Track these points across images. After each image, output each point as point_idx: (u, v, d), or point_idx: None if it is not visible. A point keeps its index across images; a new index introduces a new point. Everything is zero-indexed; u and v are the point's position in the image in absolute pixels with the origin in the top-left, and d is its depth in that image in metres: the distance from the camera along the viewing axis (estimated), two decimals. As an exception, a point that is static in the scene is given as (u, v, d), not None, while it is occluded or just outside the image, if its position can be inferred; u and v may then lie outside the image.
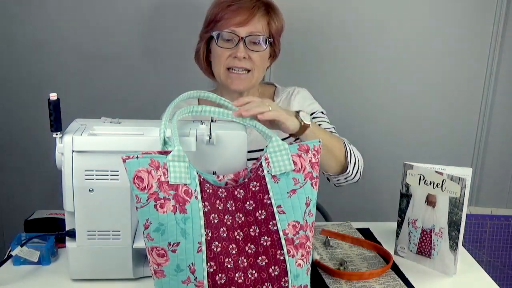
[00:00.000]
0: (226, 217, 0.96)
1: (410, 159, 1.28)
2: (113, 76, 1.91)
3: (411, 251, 1.26)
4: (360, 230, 1.40)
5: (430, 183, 1.20)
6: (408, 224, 1.26)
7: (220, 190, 0.97)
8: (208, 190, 0.95)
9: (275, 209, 0.97)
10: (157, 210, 0.91)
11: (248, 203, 0.97)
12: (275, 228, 0.97)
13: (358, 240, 1.33)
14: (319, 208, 1.58)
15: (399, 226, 1.28)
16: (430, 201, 1.20)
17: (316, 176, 1.02)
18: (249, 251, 0.96)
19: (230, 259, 0.94)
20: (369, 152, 2.04)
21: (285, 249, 0.96)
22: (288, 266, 0.96)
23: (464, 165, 1.22)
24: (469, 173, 1.19)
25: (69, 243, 1.09)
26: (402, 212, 1.27)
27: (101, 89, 1.91)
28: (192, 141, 1.06)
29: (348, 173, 1.34)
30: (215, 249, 0.93)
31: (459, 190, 1.15)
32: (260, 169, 0.99)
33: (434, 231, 1.21)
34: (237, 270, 0.95)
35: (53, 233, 1.18)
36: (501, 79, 2.06)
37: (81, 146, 1.03)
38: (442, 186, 1.18)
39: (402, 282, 1.15)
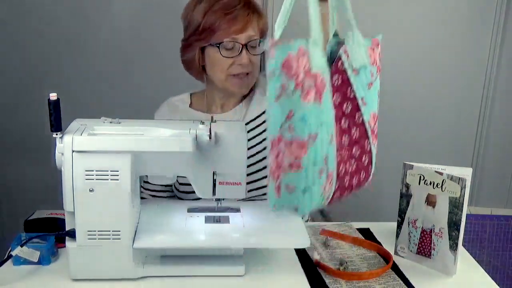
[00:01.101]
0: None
1: (410, 159, 1.28)
2: (113, 76, 1.91)
3: (411, 251, 1.26)
4: (360, 230, 1.40)
5: (430, 183, 1.19)
6: (408, 224, 1.26)
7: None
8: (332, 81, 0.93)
9: (359, 101, 0.97)
10: (303, 99, 0.85)
11: (333, 96, 0.94)
12: (361, 120, 0.98)
13: (358, 240, 1.33)
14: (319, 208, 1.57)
15: (399, 226, 1.28)
16: (430, 201, 1.20)
17: (380, 69, 1.01)
18: (344, 142, 0.97)
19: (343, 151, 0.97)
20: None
21: (370, 139, 0.99)
22: (373, 155, 1.00)
23: (464, 165, 1.22)
24: (469, 173, 1.18)
25: (69, 243, 1.09)
26: (402, 212, 1.27)
27: (101, 89, 1.91)
28: (192, 141, 1.06)
29: None
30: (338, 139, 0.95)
31: (459, 190, 1.15)
32: (339, 62, 0.95)
33: (434, 231, 1.21)
34: (348, 159, 0.97)
35: (53, 233, 1.17)
36: (501, 79, 2.06)
37: (81, 146, 1.04)
38: (442, 186, 1.17)
39: (402, 282, 1.15)
